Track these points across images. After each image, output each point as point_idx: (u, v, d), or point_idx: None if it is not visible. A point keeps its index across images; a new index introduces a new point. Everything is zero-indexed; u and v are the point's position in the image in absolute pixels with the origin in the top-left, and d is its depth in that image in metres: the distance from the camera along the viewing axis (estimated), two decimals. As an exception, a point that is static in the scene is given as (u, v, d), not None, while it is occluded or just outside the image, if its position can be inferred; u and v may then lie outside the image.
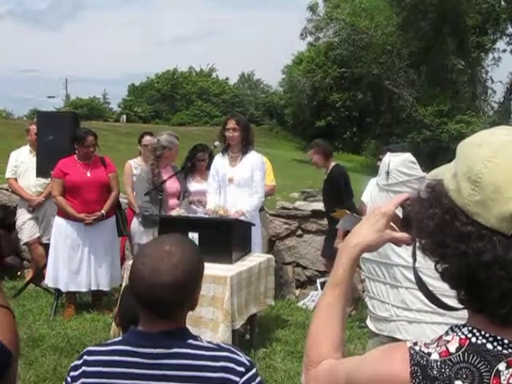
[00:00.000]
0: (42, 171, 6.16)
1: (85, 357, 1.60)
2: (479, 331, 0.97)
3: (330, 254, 6.28)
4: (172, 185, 5.80)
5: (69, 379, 1.60)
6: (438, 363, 0.96)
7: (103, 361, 1.56)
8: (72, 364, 1.63)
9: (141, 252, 1.62)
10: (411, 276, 4.86)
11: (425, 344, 1.01)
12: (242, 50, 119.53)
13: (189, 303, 1.62)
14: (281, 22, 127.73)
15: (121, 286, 5.50)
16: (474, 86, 32.64)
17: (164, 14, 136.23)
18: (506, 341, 0.95)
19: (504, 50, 33.99)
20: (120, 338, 1.61)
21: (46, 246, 6.21)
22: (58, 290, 5.88)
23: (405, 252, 4.66)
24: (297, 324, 5.80)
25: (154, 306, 1.55)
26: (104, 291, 6.12)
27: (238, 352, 1.59)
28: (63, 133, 5.94)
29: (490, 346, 0.95)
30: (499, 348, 0.95)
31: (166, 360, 1.52)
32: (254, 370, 1.57)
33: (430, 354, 0.97)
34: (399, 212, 1.26)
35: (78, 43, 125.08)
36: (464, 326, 1.00)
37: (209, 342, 1.60)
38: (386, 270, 4.85)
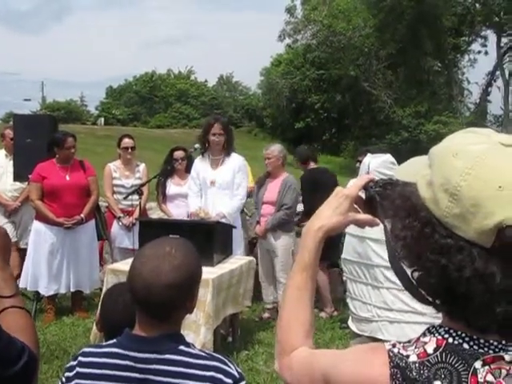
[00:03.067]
0: (19, 175, 6.08)
1: (79, 358, 1.60)
2: (455, 331, 0.98)
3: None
4: None
5: (63, 379, 1.60)
6: (417, 365, 0.96)
7: (96, 362, 1.56)
8: (67, 365, 1.63)
9: (141, 252, 1.61)
10: (392, 276, 4.90)
11: (403, 346, 1.01)
12: (220, 52, 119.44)
13: (186, 307, 1.61)
14: (259, 24, 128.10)
15: (101, 290, 5.46)
16: (450, 88, 33.02)
17: (143, 16, 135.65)
18: (481, 340, 0.96)
19: (479, 52, 34.56)
20: (115, 340, 1.60)
21: (24, 251, 6.13)
22: (36, 295, 5.81)
23: (385, 253, 4.69)
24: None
25: (150, 307, 1.54)
26: (83, 296, 6.07)
27: (228, 363, 1.57)
28: (40, 136, 5.88)
29: (466, 345, 0.96)
30: (475, 347, 0.96)
31: (157, 365, 1.51)
32: (242, 383, 1.56)
33: (408, 357, 0.98)
34: (362, 194, 1.26)
35: (57, 46, 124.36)
36: (440, 326, 1.01)
37: (200, 350, 1.59)
38: (367, 271, 4.87)
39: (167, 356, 1.52)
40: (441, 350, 0.97)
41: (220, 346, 4.62)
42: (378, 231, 4.58)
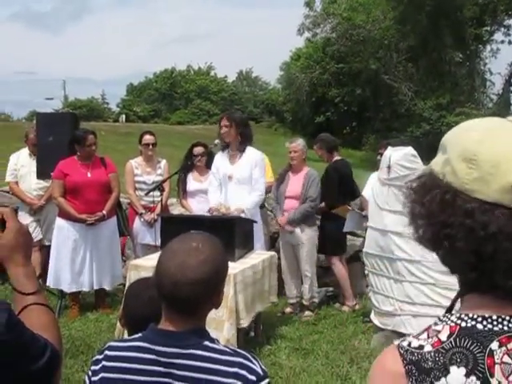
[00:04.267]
0: (43, 173, 6.15)
1: (106, 351, 1.62)
2: (467, 315, 0.99)
3: (325, 250, 6.29)
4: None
5: (90, 373, 1.62)
6: (432, 353, 0.97)
7: (121, 356, 1.58)
8: (93, 358, 1.65)
9: (168, 247, 1.62)
10: (415, 270, 4.89)
11: (413, 336, 1.02)
12: (239, 47, 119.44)
13: (211, 302, 1.62)
14: (278, 18, 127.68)
15: (124, 285, 5.50)
16: (472, 79, 32.63)
17: (163, 14, 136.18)
18: (494, 317, 0.97)
19: (502, 42, 33.97)
20: (140, 334, 1.61)
21: (48, 248, 6.21)
22: (61, 292, 5.89)
23: (408, 246, 4.66)
24: (300, 321, 5.80)
25: (176, 302, 1.55)
26: (107, 291, 6.13)
27: (252, 360, 1.56)
28: (63, 134, 5.93)
29: (480, 326, 0.97)
30: (489, 326, 0.97)
31: (181, 360, 1.52)
32: (266, 380, 1.55)
33: (422, 347, 0.99)
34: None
35: (78, 45, 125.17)
36: (452, 314, 1.02)
37: (225, 346, 1.59)
38: (389, 265, 4.85)
39: (191, 351, 1.53)
40: (454, 335, 0.98)
41: (242, 341, 4.63)
42: (400, 224, 4.58)
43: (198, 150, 6.23)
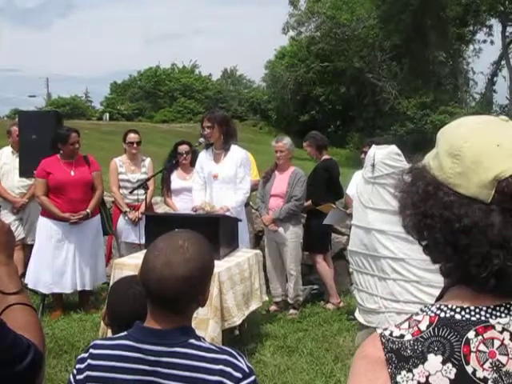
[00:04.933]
0: (25, 171, 6.10)
1: (91, 350, 1.61)
2: (446, 306, 1.03)
3: (309, 247, 6.31)
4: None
5: (75, 371, 1.61)
6: (411, 342, 1.01)
7: (107, 354, 1.57)
8: (79, 356, 1.64)
9: (154, 245, 1.62)
10: (399, 268, 4.90)
11: (395, 325, 1.06)
12: (224, 45, 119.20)
13: (197, 300, 1.62)
14: (262, 17, 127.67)
15: (108, 284, 5.47)
16: (455, 78, 32.86)
17: (147, 11, 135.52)
18: (472, 307, 1.01)
19: (484, 41, 34.27)
20: (126, 332, 1.61)
21: (31, 247, 6.16)
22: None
23: (392, 244, 4.69)
24: (285, 319, 5.82)
25: (162, 299, 1.55)
26: (91, 290, 6.09)
27: (238, 357, 1.56)
28: (46, 132, 5.88)
29: (458, 316, 1.01)
30: (467, 316, 1.00)
31: (166, 358, 1.52)
32: (252, 378, 1.55)
33: (402, 336, 1.02)
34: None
35: (62, 42, 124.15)
36: (432, 305, 1.06)
37: (211, 344, 1.60)
38: (373, 263, 4.87)
39: (176, 349, 1.53)
40: (433, 325, 1.02)
41: (227, 339, 4.63)
42: (384, 222, 4.60)
43: (183, 148, 6.22)
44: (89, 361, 1.59)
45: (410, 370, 0.99)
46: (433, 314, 1.03)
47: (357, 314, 5.19)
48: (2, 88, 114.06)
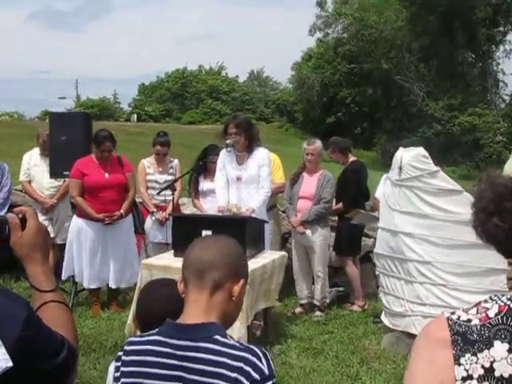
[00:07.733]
0: (55, 172, 6.18)
1: (125, 347, 1.67)
2: None
3: (340, 250, 6.30)
4: None
5: (111, 368, 1.70)
6: (478, 327, 1.04)
7: (138, 350, 1.62)
8: (118, 354, 1.70)
9: (197, 242, 1.72)
10: (425, 271, 4.88)
11: (463, 310, 1.10)
12: (251, 47, 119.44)
13: (227, 286, 1.65)
14: (289, 18, 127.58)
15: (135, 284, 5.53)
16: (484, 79, 32.44)
17: (173, 13, 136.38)
18: None
19: (515, 42, 33.73)
20: (157, 329, 1.65)
21: (60, 247, 6.25)
22: (74, 289, 5.92)
23: (418, 247, 4.66)
24: (311, 320, 5.81)
25: (198, 271, 1.63)
26: (119, 290, 6.16)
27: (262, 357, 1.54)
28: (76, 133, 5.97)
29: None
30: None
31: (191, 353, 1.55)
32: (270, 382, 1.52)
33: (470, 321, 1.06)
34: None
35: (92, 44, 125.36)
36: (503, 295, 1.09)
37: (237, 342, 1.59)
38: (400, 266, 4.85)
39: (201, 344, 1.55)
40: (502, 314, 1.05)
41: (253, 339, 4.64)
42: (411, 225, 4.59)
43: (214, 158, 6.19)
44: (123, 357, 1.65)
45: (474, 354, 1.02)
46: (503, 304, 1.06)
47: (383, 317, 5.17)
48: (32, 90, 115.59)
